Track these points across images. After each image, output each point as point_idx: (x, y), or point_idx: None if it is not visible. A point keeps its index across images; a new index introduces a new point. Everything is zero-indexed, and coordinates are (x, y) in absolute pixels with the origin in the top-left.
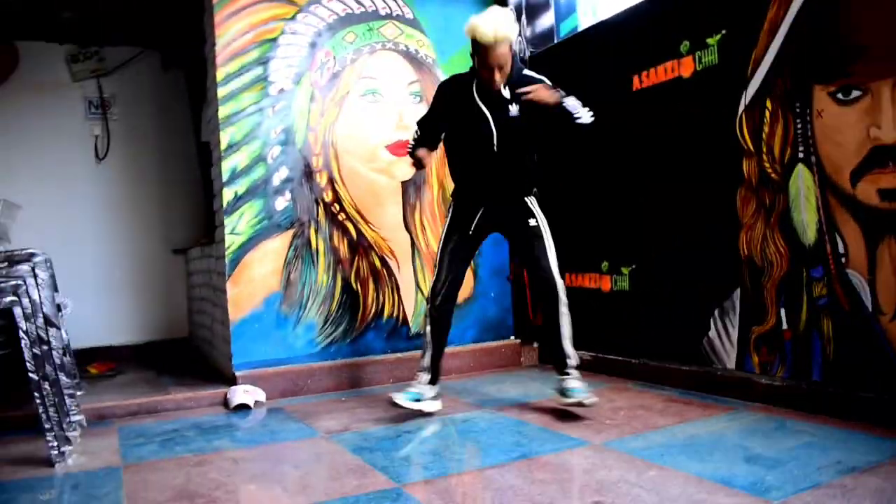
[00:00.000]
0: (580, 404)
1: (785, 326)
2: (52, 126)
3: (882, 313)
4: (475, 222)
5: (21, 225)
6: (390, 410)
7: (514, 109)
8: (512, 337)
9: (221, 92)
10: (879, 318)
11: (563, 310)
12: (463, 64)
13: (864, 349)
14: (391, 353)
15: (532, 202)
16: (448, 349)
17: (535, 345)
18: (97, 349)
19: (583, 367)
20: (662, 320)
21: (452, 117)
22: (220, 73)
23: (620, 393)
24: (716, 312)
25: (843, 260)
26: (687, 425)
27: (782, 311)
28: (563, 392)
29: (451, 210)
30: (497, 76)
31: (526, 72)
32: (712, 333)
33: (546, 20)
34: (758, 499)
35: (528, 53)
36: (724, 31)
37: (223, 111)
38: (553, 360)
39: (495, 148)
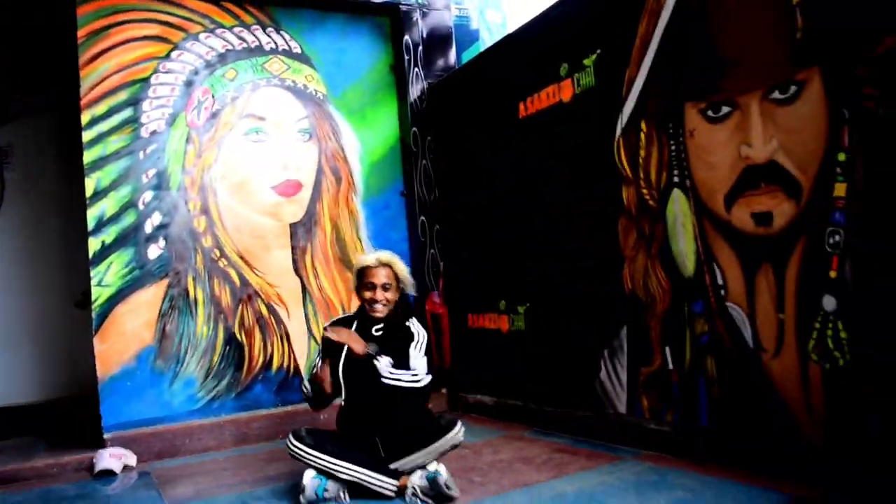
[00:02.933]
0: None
1: (671, 367)
2: None
3: (763, 350)
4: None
5: None
6: (265, 470)
7: (383, 363)
8: None
9: (87, 136)
10: (761, 356)
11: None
12: (357, 99)
13: (749, 390)
14: (281, 407)
15: None
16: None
17: (444, 390)
18: None
19: (484, 412)
20: (557, 362)
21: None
22: (86, 116)
23: (511, 443)
24: (605, 352)
25: (723, 292)
26: (559, 481)
27: (667, 350)
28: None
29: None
30: (379, 295)
31: (410, 322)
32: (603, 375)
33: (450, 53)
34: None
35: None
36: (598, 51)
37: (88, 156)
38: None
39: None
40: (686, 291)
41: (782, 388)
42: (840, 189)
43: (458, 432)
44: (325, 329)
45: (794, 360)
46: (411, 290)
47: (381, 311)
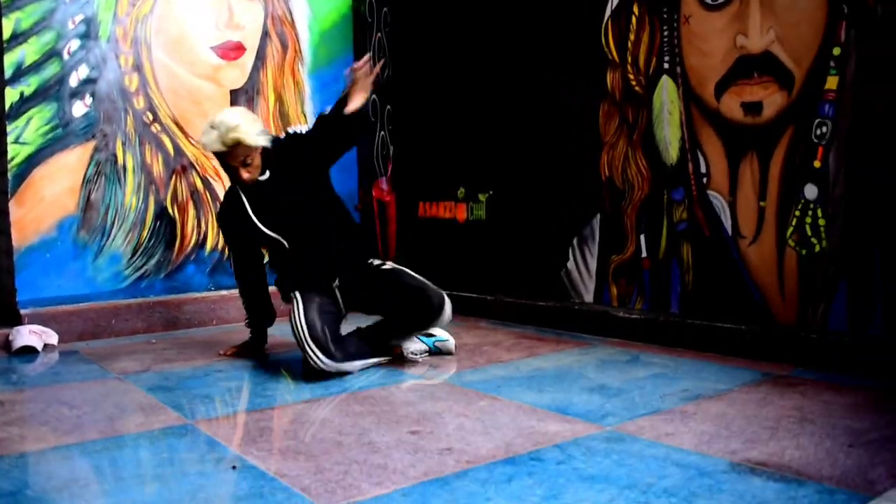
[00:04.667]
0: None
1: (644, 255)
2: None
3: (742, 237)
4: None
5: None
6: (206, 352)
7: (286, 188)
8: None
9: None
10: (739, 242)
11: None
12: None
13: (723, 277)
14: (214, 290)
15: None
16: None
17: None
18: None
19: None
20: (520, 252)
21: (246, 235)
22: None
23: (470, 331)
24: (574, 241)
25: (705, 180)
26: (534, 359)
27: (642, 238)
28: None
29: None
30: (244, 174)
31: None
32: (570, 264)
33: None
34: (591, 424)
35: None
36: None
37: None
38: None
39: (296, 240)
40: (666, 179)
41: (757, 274)
42: (832, 82)
43: (448, 312)
44: (218, 217)
45: (771, 247)
46: (266, 141)
47: (253, 177)
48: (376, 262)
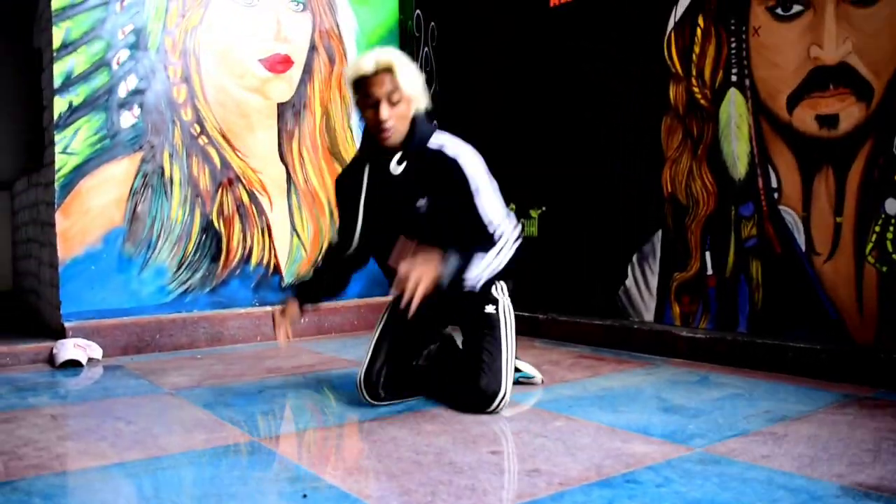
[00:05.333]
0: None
1: (710, 272)
2: None
3: (816, 254)
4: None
5: None
6: (255, 368)
7: (421, 202)
8: None
9: None
10: (813, 260)
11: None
12: None
13: (796, 294)
14: (259, 306)
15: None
16: (329, 304)
17: None
18: None
19: None
20: (574, 270)
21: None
22: None
23: (525, 351)
24: (634, 258)
25: (776, 195)
26: (600, 379)
27: (707, 255)
28: None
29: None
30: (385, 112)
31: (436, 141)
32: (629, 282)
33: None
34: (678, 445)
35: None
36: None
37: (57, 1)
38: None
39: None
40: (734, 194)
41: (834, 292)
42: None
43: (501, 408)
44: (337, 182)
45: (849, 264)
46: (424, 103)
47: (392, 135)
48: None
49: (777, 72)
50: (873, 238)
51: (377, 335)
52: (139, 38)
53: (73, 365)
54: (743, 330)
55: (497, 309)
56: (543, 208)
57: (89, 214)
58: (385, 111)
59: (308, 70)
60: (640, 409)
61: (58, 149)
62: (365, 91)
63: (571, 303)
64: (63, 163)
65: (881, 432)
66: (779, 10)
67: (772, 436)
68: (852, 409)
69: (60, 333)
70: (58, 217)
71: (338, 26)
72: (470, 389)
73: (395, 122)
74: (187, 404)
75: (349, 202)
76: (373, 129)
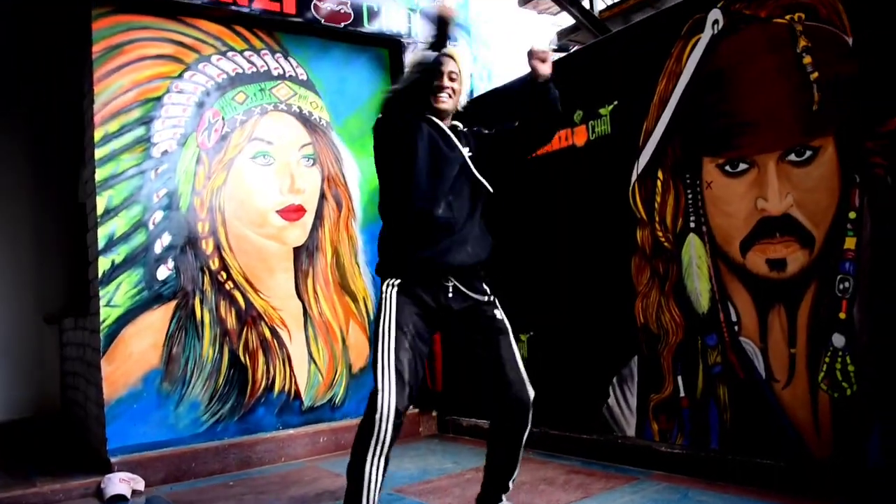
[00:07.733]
0: None
1: (682, 394)
2: None
3: (775, 380)
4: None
5: None
6: (285, 492)
7: (466, 151)
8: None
9: (99, 153)
10: (773, 385)
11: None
12: (358, 127)
13: (760, 416)
14: (282, 430)
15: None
16: (341, 423)
17: (434, 413)
18: None
19: (479, 435)
20: (562, 389)
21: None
22: (99, 133)
23: (523, 464)
24: (614, 380)
25: (736, 328)
26: (591, 500)
27: (679, 379)
28: None
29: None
30: (446, 81)
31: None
32: (612, 401)
33: None
34: None
35: None
36: (616, 102)
37: (100, 173)
38: (489, 486)
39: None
40: (699, 326)
41: (793, 414)
42: (850, 242)
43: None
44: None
45: (804, 390)
46: (463, 101)
47: (446, 100)
48: (488, 301)
49: (730, 220)
50: (824, 368)
51: (392, 356)
52: (171, 200)
53: (120, 500)
54: (715, 447)
55: (502, 316)
56: (531, 333)
57: (131, 359)
58: (446, 81)
59: (319, 216)
60: None
61: (102, 302)
62: (440, 63)
63: (562, 418)
64: (107, 315)
65: None
66: (727, 168)
67: None
68: None
69: (106, 467)
70: (103, 363)
71: (343, 174)
72: (510, 404)
73: (451, 92)
74: None
75: (405, 147)
76: (437, 90)
